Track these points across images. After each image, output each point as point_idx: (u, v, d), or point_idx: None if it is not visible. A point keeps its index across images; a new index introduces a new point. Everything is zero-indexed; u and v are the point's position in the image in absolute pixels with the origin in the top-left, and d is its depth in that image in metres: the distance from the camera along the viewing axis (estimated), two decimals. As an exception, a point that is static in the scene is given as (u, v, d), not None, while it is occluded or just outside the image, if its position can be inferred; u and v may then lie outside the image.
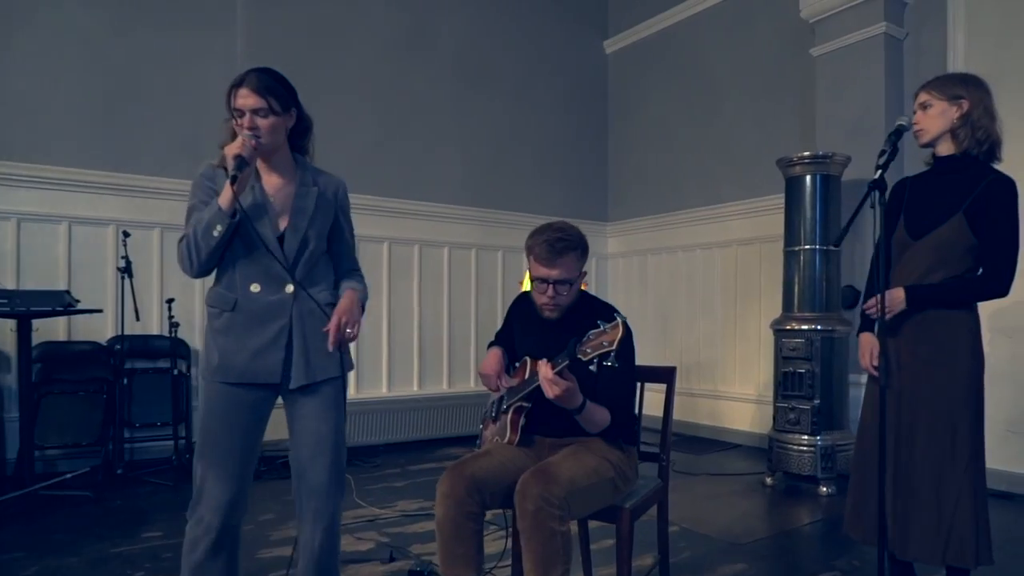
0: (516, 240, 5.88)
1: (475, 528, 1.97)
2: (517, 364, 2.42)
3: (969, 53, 3.95)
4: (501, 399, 2.43)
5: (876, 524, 2.04)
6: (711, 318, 5.44)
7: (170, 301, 4.21)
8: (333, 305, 1.94)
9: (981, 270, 2.16)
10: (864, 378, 2.41)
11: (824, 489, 3.79)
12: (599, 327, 1.90)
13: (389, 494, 3.78)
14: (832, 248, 3.93)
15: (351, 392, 5.00)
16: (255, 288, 1.87)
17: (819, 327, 3.88)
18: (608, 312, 2.25)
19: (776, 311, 4.35)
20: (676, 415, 3.46)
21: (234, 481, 1.88)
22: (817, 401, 3.86)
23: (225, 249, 1.87)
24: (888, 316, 2.15)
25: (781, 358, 4.01)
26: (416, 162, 5.46)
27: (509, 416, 2.32)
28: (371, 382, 5.20)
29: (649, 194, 6.03)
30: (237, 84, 1.84)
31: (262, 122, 1.84)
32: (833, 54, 4.39)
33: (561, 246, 2.15)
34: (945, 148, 2.22)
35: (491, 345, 2.58)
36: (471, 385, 5.64)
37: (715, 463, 4.59)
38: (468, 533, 1.97)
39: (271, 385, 1.90)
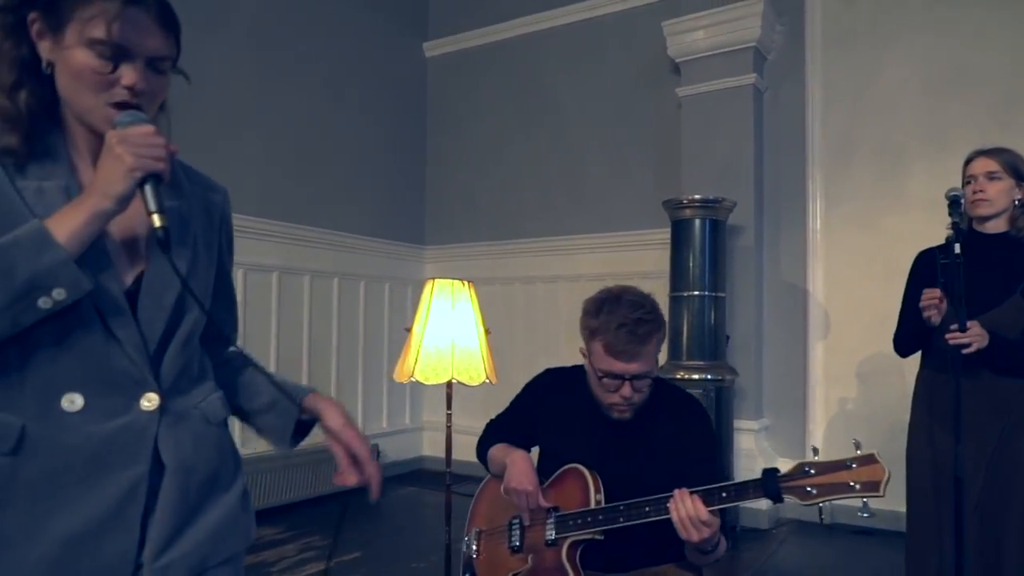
0: (324, 264, 4.94)
1: None
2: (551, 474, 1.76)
3: (826, 112, 4.17)
4: (521, 520, 1.73)
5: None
6: (553, 356, 5.08)
7: None
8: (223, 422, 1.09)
9: None
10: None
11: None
12: (840, 463, 1.37)
13: None
14: (720, 295, 3.83)
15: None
16: (71, 404, 0.92)
17: (710, 376, 3.73)
18: (689, 403, 1.74)
19: None
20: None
21: None
22: (708, 455, 3.70)
23: None
24: (972, 350, 1.94)
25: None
26: (203, 161, 4.21)
27: (564, 552, 1.63)
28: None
29: (478, 219, 5.51)
30: None
31: (156, 83, 0.98)
32: (700, 96, 4.35)
33: (644, 331, 1.60)
34: (994, 225, 2.14)
35: (494, 437, 1.85)
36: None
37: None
38: None
39: None
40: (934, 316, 2.03)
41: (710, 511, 1.43)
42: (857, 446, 1.40)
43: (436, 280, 2.86)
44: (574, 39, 5.13)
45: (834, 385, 4.06)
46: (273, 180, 4.64)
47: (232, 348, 1.16)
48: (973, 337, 1.93)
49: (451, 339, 2.72)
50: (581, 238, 4.97)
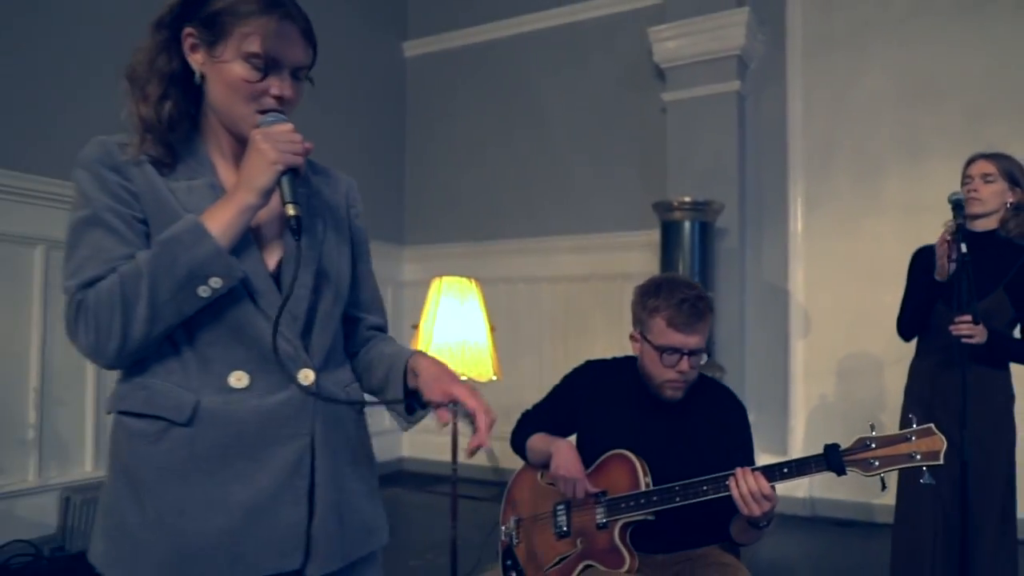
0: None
1: None
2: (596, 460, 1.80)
3: (806, 119, 4.32)
4: (567, 505, 1.76)
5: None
6: (535, 358, 5.12)
7: None
8: (359, 402, 1.13)
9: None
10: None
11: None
12: (896, 437, 1.43)
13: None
14: (710, 295, 3.91)
15: (86, 469, 3.52)
16: (239, 381, 1.00)
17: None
18: (725, 393, 1.81)
19: (615, 353, 4.21)
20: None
21: None
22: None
23: None
24: (974, 341, 2.07)
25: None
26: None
27: (615, 534, 1.66)
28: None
29: (458, 219, 5.50)
30: (267, 7, 0.99)
31: (297, 90, 1.06)
32: (685, 102, 4.45)
33: (703, 306, 1.72)
34: (983, 224, 2.27)
35: (531, 424, 1.88)
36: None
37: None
38: None
39: None
40: (944, 261, 2.12)
41: (774, 483, 1.49)
42: (912, 421, 1.47)
43: (444, 278, 2.87)
44: (556, 42, 5.19)
45: (814, 382, 4.20)
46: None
47: (373, 326, 1.22)
48: (975, 331, 2.04)
49: (463, 336, 2.73)
50: (564, 239, 5.02)
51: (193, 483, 0.96)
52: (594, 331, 4.90)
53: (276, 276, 1.04)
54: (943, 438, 1.43)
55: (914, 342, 2.45)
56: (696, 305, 1.68)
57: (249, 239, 1.01)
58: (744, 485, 1.48)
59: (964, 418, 1.98)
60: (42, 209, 3.34)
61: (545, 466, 1.81)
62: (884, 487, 1.46)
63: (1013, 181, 2.23)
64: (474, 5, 5.53)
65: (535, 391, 4.93)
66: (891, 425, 2.45)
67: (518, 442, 1.91)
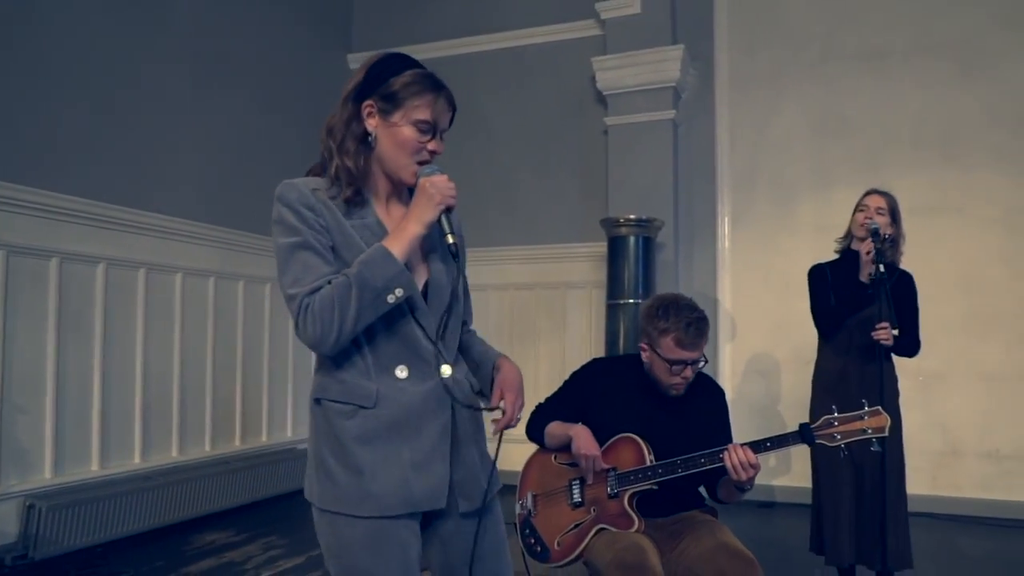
0: (261, 268, 4.92)
1: None
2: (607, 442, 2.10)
3: (732, 147, 4.83)
4: (580, 481, 2.05)
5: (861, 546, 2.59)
6: (482, 362, 5.36)
7: None
8: (479, 390, 1.47)
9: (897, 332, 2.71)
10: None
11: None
12: (852, 415, 1.81)
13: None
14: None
15: (45, 476, 3.49)
16: (401, 373, 1.33)
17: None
18: (711, 384, 2.18)
19: (556, 354, 4.61)
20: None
21: None
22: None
23: None
24: (887, 343, 2.57)
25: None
26: (143, 163, 4.13)
27: (625, 502, 1.97)
28: (76, 459, 3.68)
29: (405, 229, 5.69)
30: (438, 88, 1.34)
31: (442, 146, 1.37)
32: (625, 126, 4.86)
33: (704, 327, 2.09)
34: (864, 246, 2.74)
35: (547, 414, 2.16)
36: (206, 449, 4.44)
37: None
38: None
39: (419, 515, 1.37)
40: (868, 268, 2.65)
41: (759, 454, 1.84)
42: (864, 405, 1.85)
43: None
44: (504, 65, 5.50)
45: (739, 380, 4.69)
46: (211, 184, 4.60)
47: (470, 329, 1.55)
48: (889, 335, 2.52)
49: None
50: (511, 249, 5.32)
51: (376, 447, 1.30)
52: (537, 335, 5.22)
53: (423, 293, 1.35)
54: (888, 416, 1.82)
55: (816, 345, 2.91)
56: (700, 327, 2.03)
57: (409, 263, 1.29)
58: (735, 457, 1.82)
59: (883, 401, 2.43)
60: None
61: (562, 448, 2.09)
62: (844, 453, 1.84)
63: (893, 217, 2.74)
64: (417, 24, 5.76)
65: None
66: (802, 415, 2.88)
67: (535, 430, 2.18)
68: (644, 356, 2.11)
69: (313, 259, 1.27)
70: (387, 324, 1.31)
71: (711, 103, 4.90)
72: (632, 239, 4.32)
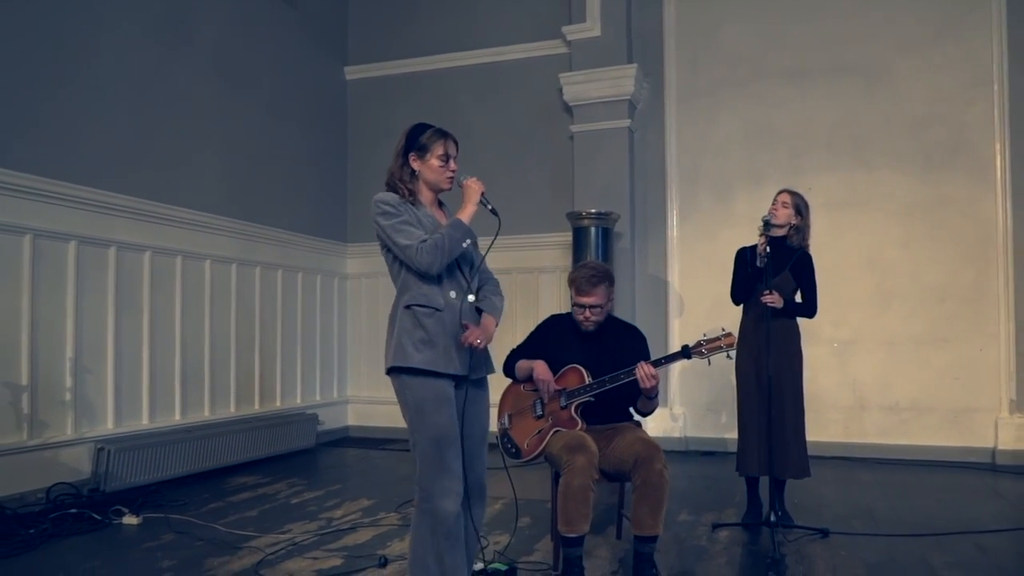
0: (273, 256, 5.67)
1: (594, 493, 2.58)
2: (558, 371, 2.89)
3: (679, 152, 5.67)
4: (540, 401, 2.85)
5: (764, 460, 3.35)
6: (467, 338, 6.15)
7: None
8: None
9: (801, 299, 3.54)
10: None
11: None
12: (714, 337, 2.62)
13: (266, 521, 3.60)
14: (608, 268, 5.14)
15: (109, 426, 4.23)
16: (451, 295, 2.21)
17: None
18: (629, 327, 2.97)
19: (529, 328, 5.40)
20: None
21: (460, 458, 2.20)
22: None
23: None
24: (774, 305, 3.35)
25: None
26: (176, 164, 4.86)
27: (572, 411, 2.78)
28: (132, 413, 4.43)
29: (398, 223, 6.44)
30: (446, 136, 2.27)
31: (457, 165, 2.30)
32: (588, 133, 5.67)
33: (596, 280, 2.83)
34: (777, 232, 3.56)
35: (517, 356, 2.95)
36: (231, 410, 5.20)
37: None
38: (590, 497, 2.56)
39: (455, 377, 2.23)
40: (761, 254, 3.41)
41: (657, 368, 2.65)
42: (724, 329, 2.67)
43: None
44: (482, 78, 6.28)
45: (685, 350, 5.53)
46: (232, 182, 5.33)
47: (494, 278, 2.44)
48: (775, 300, 3.34)
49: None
50: (489, 239, 6.08)
51: (439, 332, 2.17)
52: (514, 314, 6.01)
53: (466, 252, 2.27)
54: (735, 335, 2.67)
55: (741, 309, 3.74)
56: (592, 280, 2.81)
57: None
58: (642, 370, 2.63)
59: (769, 349, 3.27)
60: None
61: (527, 379, 2.89)
62: (709, 363, 2.68)
63: (798, 210, 3.56)
64: (406, 40, 6.51)
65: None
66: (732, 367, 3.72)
67: (509, 366, 2.97)
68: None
69: (414, 229, 2.16)
70: (448, 268, 2.19)
71: (661, 114, 5.73)
72: (593, 230, 5.13)
